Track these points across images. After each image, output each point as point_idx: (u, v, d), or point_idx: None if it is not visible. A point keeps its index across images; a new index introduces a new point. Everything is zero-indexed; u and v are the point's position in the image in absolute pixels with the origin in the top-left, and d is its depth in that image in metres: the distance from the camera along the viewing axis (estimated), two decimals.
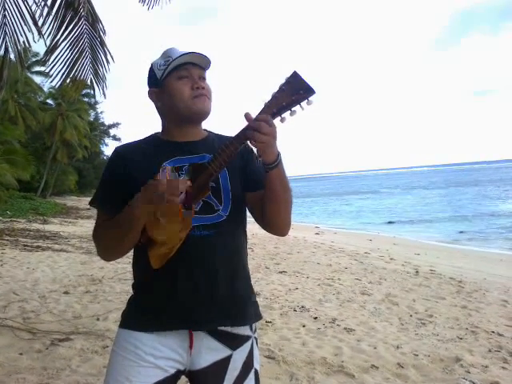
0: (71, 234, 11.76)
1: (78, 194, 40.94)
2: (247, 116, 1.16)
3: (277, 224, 1.38)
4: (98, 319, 4.26)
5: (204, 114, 1.36)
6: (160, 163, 1.32)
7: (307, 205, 36.36)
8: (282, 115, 1.17)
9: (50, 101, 34.31)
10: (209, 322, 1.29)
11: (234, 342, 1.34)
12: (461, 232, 17.38)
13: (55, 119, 30.64)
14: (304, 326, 4.33)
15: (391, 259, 9.26)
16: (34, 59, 27.45)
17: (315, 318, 4.63)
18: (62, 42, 3.95)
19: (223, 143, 1.21)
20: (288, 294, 5.66)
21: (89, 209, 22.01)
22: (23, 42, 3.71)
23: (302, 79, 1.15)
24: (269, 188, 1.28)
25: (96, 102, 40.12)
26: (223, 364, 1.31)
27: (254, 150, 1.22)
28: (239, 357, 1.33)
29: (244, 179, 1.39)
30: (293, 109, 1.16)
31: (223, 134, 1.48)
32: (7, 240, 9.93)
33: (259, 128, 1.14)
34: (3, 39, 3.67)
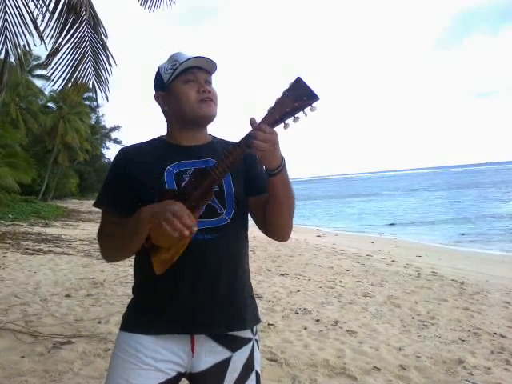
0: (73, 237, 11.77)
1: (79, 197, 41.03)
2: (252, 121, 1.17)
3: (278, 230, 1.38)
4: (99, 322, 4.26)
5: (209, 118, 1.37)
6: (164, 166, 1.32)
7: (309, 207, 36.31)
8: (286, 122, 1.17)
9: (51, 104, 34.42)
10: (209, 325, 1.29)
11: (234, 344, 1.34)
12: (463, 234, 17.34)
13: (56, 122, 30.73)
14: (306, 329, 4.32)
15: (393, 261, 9.25)
16: (35, 63, 27.55)
17: (317, 320, 4.63)
18: (64, 45, 3.97)
19: (226, 149, 1.21)
20: (290, 297, 5.65)
21: (90, 212, 22.05)
22: (23, 45, 3.72)
23: (306, 85, 1.14)
24: (271, 194, 1.28)
25: (98, 106, 40.23)
26: (223, 366, 1.31)
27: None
28: (239, 358, 1.33)
29: (246, 183, 1.39)
30: (296, 115, 1.16)
31: (226, 139, 1.49)
32: (9, 243, 9.95)
33: (256, 136, 1.14)
34: (4, 43, 3.69)
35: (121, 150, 1.43)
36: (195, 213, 1.20)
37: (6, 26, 3.66)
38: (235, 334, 1.34)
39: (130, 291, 1.44)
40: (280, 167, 1.21)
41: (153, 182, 1.30)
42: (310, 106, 1.15)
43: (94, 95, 4.35)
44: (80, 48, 4.07)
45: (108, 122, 58.35)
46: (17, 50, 3.71)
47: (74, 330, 4.00)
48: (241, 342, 1.35)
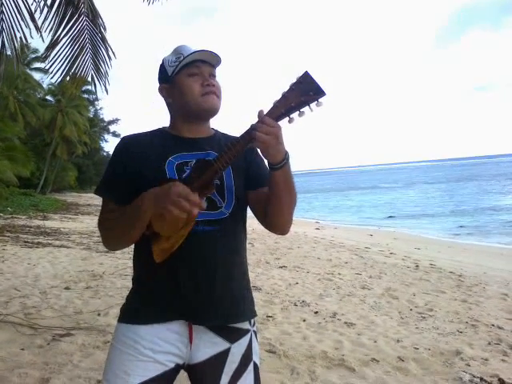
0: (71, 230, 11.78)
1: (77, 190, 41.00)
2: (260, 114, 1.16)
3: (278, 224, 1.38)
4: (99, 314, 4.28)
5: (213, 111, 1.37)
6: (166, 157, 1.33)
7: (307, 200, 36.34)
8: (291, 116, 1.16)
9: (49, 97, 34.28)
10: (208, 316, 1.30)
11: (233, 335, 1.34)
12: (461, 226, 17.40)
13: (55, 115, 30.61)
14: (304, 321, 4.34)
15: (391, 254, 9.28)
16: (33, 56, 27.40)
17: (316, 312, 4.65)
18: (63, 38, 3.94)
19: (229, 141, 1.21)
20: (288, 289, 5.67)
21: (89, 205, 22.05)
22: (20, 37, 3.70)
23: (313, 80, 1.13)
24: (272, 188, 1.27)
25: (97, 99, 40.12)
26: (221, 357, 1.32)
27: (259, 150, 1.22)
28: (237, 350, 1.34)
29: (246, 178, 1.40)
30: (301, 110, 1.15)
31: (228, 133, 1.49)
32: (8, 236, 9.96)
33: (259, 128, 1.14)
34: (0, 35, 3.67)
35: (122, 138, 1.43)
36: None
37: (2, 18, 3.64)
38: (234, 325, 1.35)
39: (129, 283, 1.44)
40: (283, 161, 1.20)
41: (154, 172, 1.30)
42: (316, 102, 1.14)
43: (94, 88, 4.32)
44: (79, 41, 4.05)
45: (106, 116, 58.27)
46: (13, 43, 3.69)
47: (74, 323, 4.01)
48: (239, 334, 1.36)
